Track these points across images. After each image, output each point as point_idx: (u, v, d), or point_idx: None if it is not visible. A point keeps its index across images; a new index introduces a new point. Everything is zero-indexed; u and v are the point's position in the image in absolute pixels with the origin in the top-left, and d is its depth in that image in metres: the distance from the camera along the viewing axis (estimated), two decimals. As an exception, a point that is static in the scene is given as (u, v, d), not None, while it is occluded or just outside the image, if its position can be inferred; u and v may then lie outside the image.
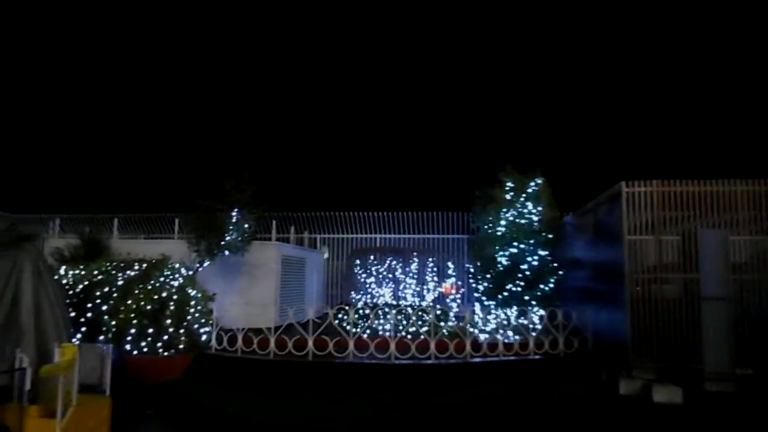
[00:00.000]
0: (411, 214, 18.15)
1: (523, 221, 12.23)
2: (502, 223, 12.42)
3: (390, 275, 15.00)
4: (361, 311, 13.55)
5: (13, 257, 7.67)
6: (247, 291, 13.45)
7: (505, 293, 12.08)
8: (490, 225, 12.93)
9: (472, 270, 13.44)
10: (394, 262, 15.01)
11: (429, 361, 10.89)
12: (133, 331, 9.41)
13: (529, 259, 12.02)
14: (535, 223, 12.24)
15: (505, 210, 12.48)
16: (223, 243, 11.80)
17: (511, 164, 12.66)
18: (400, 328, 12.94)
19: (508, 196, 12.56)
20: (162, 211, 15.27)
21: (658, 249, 9.50)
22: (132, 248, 13.35)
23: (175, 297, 9.98)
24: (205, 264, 12.05)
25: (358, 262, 15.35)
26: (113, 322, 9.52)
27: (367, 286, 15.04)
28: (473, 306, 13.31)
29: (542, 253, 12.04)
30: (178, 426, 8.26)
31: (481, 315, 12.33)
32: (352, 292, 15.32)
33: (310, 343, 10.50)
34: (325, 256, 19.01)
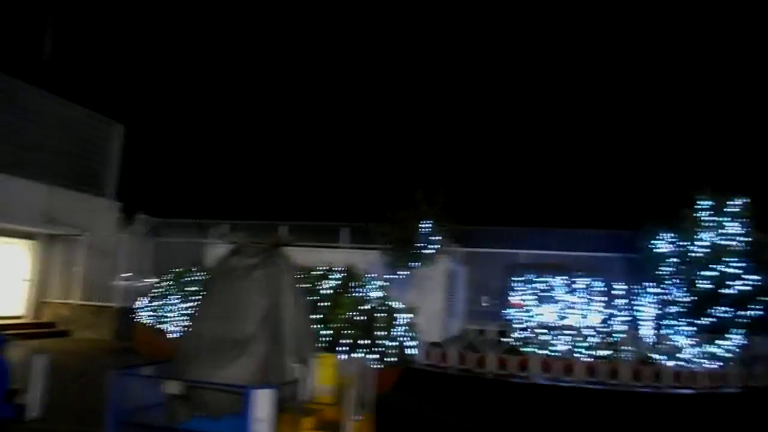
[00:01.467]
0: (556, 231, 17.43)
1: (725, 243, 11.54)
2: (700, 243, 11.76)
3: (551, 293, 14.52)
4: (526, 331, 13.21)
5: (275, 265, 7.61)
6: (418, 304, 13.22)
7: (706, 318, 11.40)
8: (678, 245, 12.29)
9: (651, 291, 12.82)
10: (555, 280, 14.52)
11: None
12: (346, 341, 9.29)
13: (734, 283, 11.31)
14: (740, 245, 11.51)
15: (701, 230, 11.82)
16: (415, 255, 11.66)
17: (706, 182, 12.00)
18: (576, 349, 12.48)
19: (704, 216, 11.89)
20: (322, 220, 15.24)
21: None
22: (302, 256, 13.32)
23: (382, 308, 9.83)
24: (401, 275, 11.93)
25: (515, 278, 14.94)
26: (327, 332, 9.42)
27: (525, 303, 14.59)
28: (637, 329, 12.73)
29: (751, 277, 11.30)
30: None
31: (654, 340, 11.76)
32: (507, 310, 14.90)
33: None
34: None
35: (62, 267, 20.12)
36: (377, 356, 9.26)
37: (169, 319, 13.55)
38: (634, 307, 13.55)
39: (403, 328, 9.76)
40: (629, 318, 13.58)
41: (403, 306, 10.00)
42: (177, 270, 14.37)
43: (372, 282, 10.27)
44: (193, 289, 13.02)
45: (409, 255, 11.63)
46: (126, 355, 15.89)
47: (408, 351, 9.67)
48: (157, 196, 21.54)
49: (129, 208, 20.99)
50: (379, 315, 9.59)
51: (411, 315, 9.94)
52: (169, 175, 26.29)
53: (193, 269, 13.66)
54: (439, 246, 11.99)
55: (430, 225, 11.77)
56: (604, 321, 13.64)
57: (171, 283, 14.15)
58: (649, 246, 13.54)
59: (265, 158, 27.43)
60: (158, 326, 15.08)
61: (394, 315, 9.76)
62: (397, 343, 9.55)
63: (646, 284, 13.32)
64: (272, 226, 15.03)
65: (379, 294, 10.11)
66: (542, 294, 14.41)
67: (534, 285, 14.54)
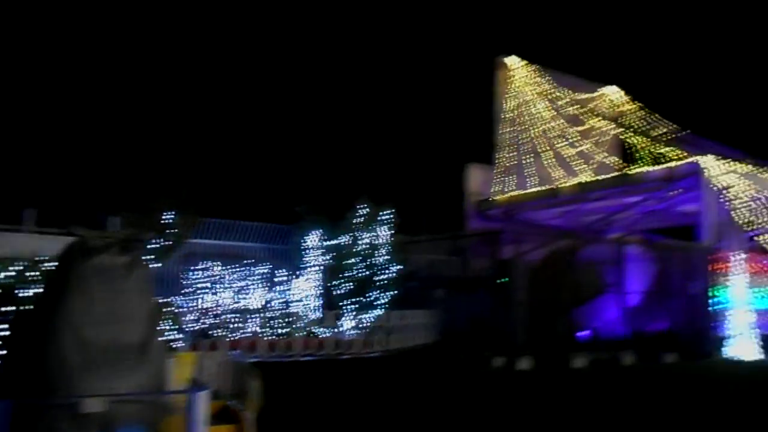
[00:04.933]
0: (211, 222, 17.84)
1: (379, 241, 15.32)
2: (363, 241, 15.21)
3: (221, 279, 15.47)
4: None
5: (145, 264, 7.28)
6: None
7: (363, 299, 14.92)
8: (340, 242, 15.53)
9: (310, 276, 15.68)
10: (224, 268, 15.57)
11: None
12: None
13: (383, 271, 15.18)
14: (387, 244, 15.42)
15: (362, 232, 15.30)
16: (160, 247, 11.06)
17: (366, 195, 15.60)
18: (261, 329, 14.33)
19: (361, 219, 15.41)
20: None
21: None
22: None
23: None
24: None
25: (184, 267, 15.24)
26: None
27: (198, 290, 15.13)
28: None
29: (394, 267, 15.34)
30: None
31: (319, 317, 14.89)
32: (174, 297, 15.08)
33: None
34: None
35: None
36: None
37: None
38: (293, 290, 15.98)
39: (169, 321, 9.79)
40: (289, 299, 15.92)
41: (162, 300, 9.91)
42: None
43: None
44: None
45: (155, 248, 11.01)
46: None
47: (175, 345, 9.72)
48: None
49: None
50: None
51: (171, 308, 10.02)
52: None
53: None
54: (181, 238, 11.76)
55: (172, 216, 11.43)
56: (268, 303, 15.62)
57: None
58: (304, 239, 16.39)
59: None
60: None
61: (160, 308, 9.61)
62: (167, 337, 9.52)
63: (301, 272, 16.07)
64: None
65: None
66: (216, 281, 15.32)
67: (208, 272, 15.31)
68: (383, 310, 15.00)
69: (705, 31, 69.42)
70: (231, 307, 14.90)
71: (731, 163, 19.26)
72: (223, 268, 15.50)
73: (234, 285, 15.48)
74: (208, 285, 15.27)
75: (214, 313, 14.35)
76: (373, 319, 14.89)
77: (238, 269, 15.64)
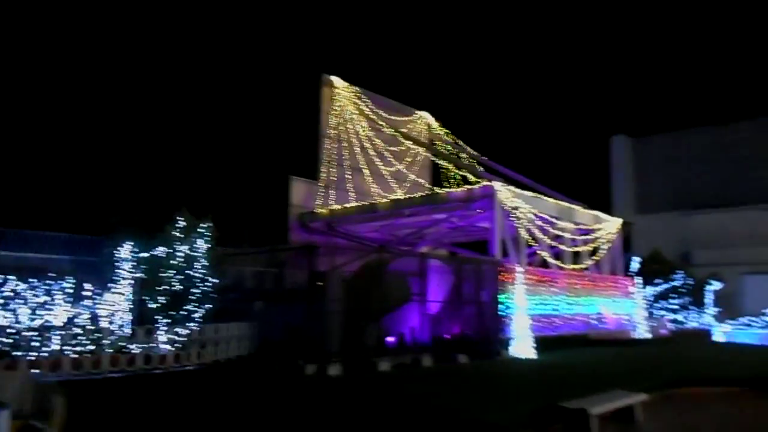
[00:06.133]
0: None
1: (196, 254, 15.27)
2: (179, 254, 15.06)
3: (18, 295, 14.29)
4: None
5: None
6: None
7: (178, 312, 14.79)
8: (152, 253, 15.24)
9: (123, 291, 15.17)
10: (23, 282, 14.43)
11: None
12: None
13: (200, 284, 15.17)
14: (204, 256, 15.43)
15: (179, 243, 15.16)
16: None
17: (185, 206, 15.50)
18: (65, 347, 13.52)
19: (178, 233, 15.28)
20: None
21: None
22: None
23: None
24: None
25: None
26: None
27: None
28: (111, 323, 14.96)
29: (211, 280, 15.39)
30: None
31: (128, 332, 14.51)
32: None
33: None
34: None
35: None
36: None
37: None
38: (101, 305, 15.26)
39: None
40: (98, 315, 15.19)
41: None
42: None
43: None
44: None
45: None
46: None
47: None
48: None
49: None
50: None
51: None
52: None
53: None
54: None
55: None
56: (72, 319, 14.79)
57: None
58: (116, 251, 15.82)
59: None
60: None
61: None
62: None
63: (111, 285, 15.49)
64: None
65: None
66: (13, 296, 14.14)
67: (4, 288, 14.09)
68: (198, 323, 15.02)
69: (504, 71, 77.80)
70: (30, 324, 13.92)
71: (517, 188, 22.31)
72: (22, 282, 14.44)
73: (34, 300, 14.48)
74: (4, 301, 14.14)
75: (11, 331, 13.31)
76: (187, 333, 14.85)
77: (38, 284, 14.65)
